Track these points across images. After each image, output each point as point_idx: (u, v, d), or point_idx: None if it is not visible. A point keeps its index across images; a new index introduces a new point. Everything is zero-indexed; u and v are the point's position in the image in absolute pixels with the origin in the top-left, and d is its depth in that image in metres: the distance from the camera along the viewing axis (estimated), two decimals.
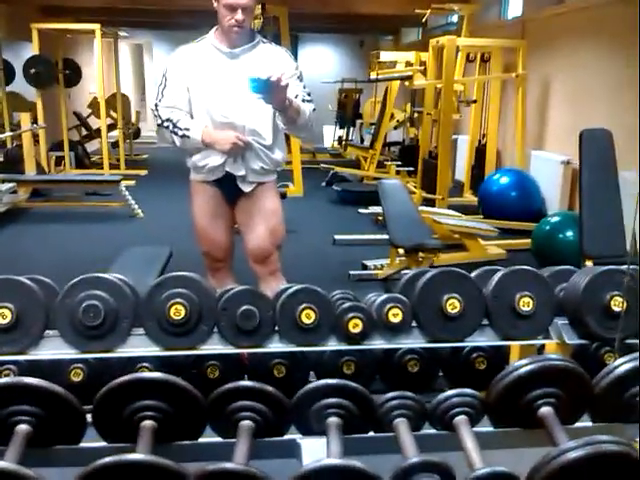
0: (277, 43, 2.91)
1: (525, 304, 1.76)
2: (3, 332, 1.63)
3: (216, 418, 1.25)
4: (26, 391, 1.17)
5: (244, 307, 1.71)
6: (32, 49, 7.58)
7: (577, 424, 1.33)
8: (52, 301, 1.71)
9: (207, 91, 2.65)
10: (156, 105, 2.71)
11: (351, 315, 1.74)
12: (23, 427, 1.16)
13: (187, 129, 2.64)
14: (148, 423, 1.18)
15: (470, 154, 7.52)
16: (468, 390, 1.30)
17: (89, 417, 1.25)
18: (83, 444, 1.25)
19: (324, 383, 1.26)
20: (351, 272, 4.63)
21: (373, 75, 7.82)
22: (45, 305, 1.68)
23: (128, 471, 1.03)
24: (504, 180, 6.32)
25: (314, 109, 2.68)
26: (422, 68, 7.35)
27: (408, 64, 7.81)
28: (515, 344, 1.85)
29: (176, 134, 2.66)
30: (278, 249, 2.86)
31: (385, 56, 8.33)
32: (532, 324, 1.79)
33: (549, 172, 6.13)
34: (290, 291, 1.76)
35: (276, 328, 1.76)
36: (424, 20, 7.55)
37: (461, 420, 1.26)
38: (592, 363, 1.82)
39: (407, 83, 7.51)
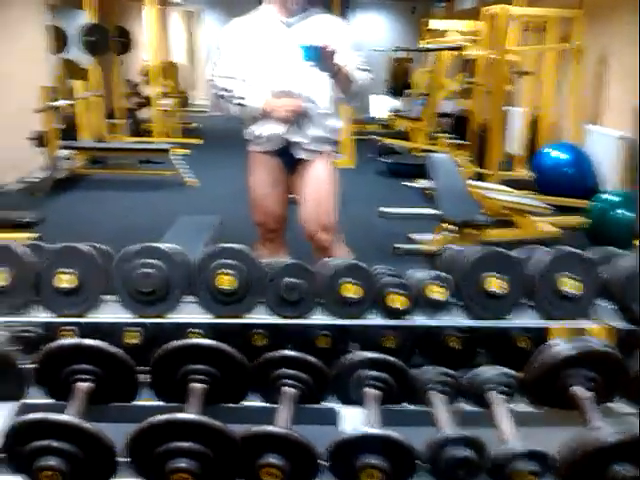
0: (327, 10, 2.93)
1: (570, 286, 1.76)
2: (67, 295, 1.73)
3: (261, 384, 1.32)
4: (87, 351, 1.25)
5: (289, 279, 1.77)
6: (87, 17, 7.70)
7: (611, 404, 1.35)
8: (110, 267, 1.81)
9: (263, 60, 2.71)
10: (212, 75, 2.77)
11: (393, 290, 1.78)
12: (83, 385, 1.25)
13: (243, 98, 2.70)
14: (198, 385, 1.25)
15: (524, 127, 7.36)
16: (505, 369, 1.33)
17: (143, 377, 1.34)
18: (137, 402, 1.33)
19: (364, 356, 1.31)
20: (397, 245, 4.64)
21: (423, 44, 7.70)
22: (104, 271, 1.77)
23: (178, 429, 1.11)
24: (558, 155, 6.19)
25: (372, 78, 2.70)
26: (474, 38, 7.20)
27: (461, 33, 7.65)
28: (557, 326, 1.85)
29: (232, 103, 2.72)
30: (333, 219, 2.88)
31: (435, 24, 8.17)
32: (576, 306, 1.80)
33: (605, 148, 5.98)
34: (334, 265, 1.80)
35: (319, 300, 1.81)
36: None
37: (496, 396, 1.30)
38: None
39: (459, 53, 7.37)
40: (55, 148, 6.02)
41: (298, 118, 2.70)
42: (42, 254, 1.77)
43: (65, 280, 1.69)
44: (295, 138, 2.78)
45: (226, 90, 2.72)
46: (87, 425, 1.10)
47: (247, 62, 2.72)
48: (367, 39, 12.26)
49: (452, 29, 8.00)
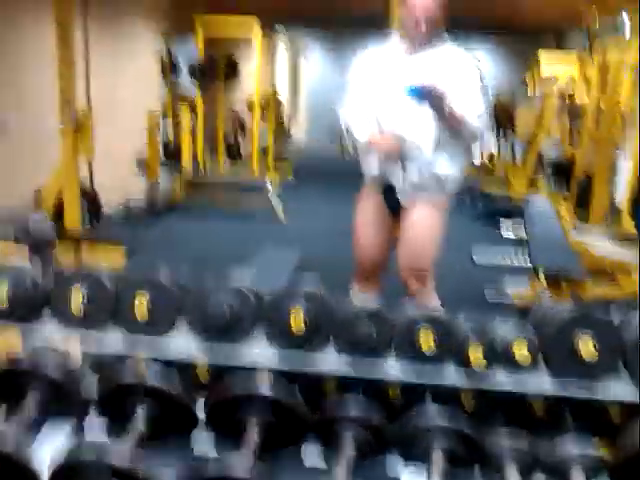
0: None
1: None
2: (138, 321, 1.73)
3: (321, 433, 1.25)
4: (144, 389, 1.23)
5: (362, 326, 1.70)
6: (196, 45, 7.98)
7: None
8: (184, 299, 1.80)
9: (378, 93, 2.68)
10: (342, 111, 2.78)
11: (473, 345, 1.67)
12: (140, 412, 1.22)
13: (356, 132, 2.70)
14: (254, 433, 1.20)
15: (633, 176, 6.94)
16: (588, 443, 1.19)
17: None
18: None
19: (434, 424, 1.21)
20: (489, 297, 4.46)
21: (530, 91, 7.48)
22: (177, 300, 1.77)
23: None
24: None
25: (481, 116, 2.59)
26: (584, 83, 6.92)
27: (571, 79, 7.39)
28: None
29: (349, 137, 2.74)
30: (427, 268, 2.80)
31: (546, 70, 7.94)
32: None
33: None
34: (411, 314, 1.72)
35: (393, 351, 1.72)
36: (590, 26, 7.07)
37: (577, 473, 1.16)
38: None
39: (567, 99, 7.11)
40: (156, 175, 6.27)
41: (398, 159, 2.62)
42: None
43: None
44: (394, 180, 2.71)
45: (346, 124, 2.75)
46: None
47: (367, 95, 2.71)
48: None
49: (563, 74, 7.74)
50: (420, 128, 2.58)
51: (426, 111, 2.45)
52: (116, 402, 1.25)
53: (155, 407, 1.24)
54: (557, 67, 8.12)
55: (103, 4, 6.46)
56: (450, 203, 2.83)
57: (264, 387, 1.24)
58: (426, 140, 2.59)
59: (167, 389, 1.22)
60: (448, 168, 2.67)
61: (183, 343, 1.75)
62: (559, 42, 12.16)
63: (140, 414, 1.22)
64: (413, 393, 1.97)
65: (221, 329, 1.69)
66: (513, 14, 8.80)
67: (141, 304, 1.69)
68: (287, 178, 9.35)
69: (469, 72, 2.60)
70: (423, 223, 2.75)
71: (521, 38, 13.15)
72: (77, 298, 1.63)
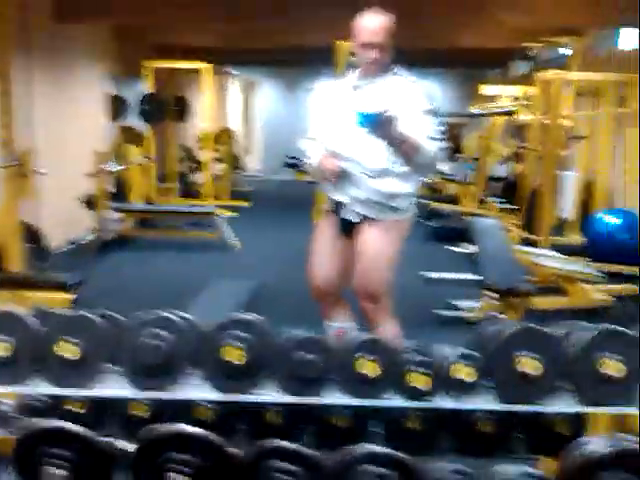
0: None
1: (612, 368, 1.59)
2: (68, 366, 1.66)
3: (252, 475, 1.19)
4: (66, 436, 1.16)
5: (304, 355, 1.65)
6: (145, 86, 8.00)
7: None
8: (118, 336, 1.74)
9: (328, 120, 2.73)
10: (301, 140, 2.85)
11: (417, 369, 1.64)
12: (59, 472, 1.15)
13: (309, 157, 2.76)
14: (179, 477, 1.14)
15: (577, 192, 7.13)
16: (532, 471, 1.17)
17: None
18: None
19: (370, 451, 1.17)
20: (441, 313, 4.47)
21: (474, 109, 7.65)
22: (110, 341, 1.70)
23: None
24: (613, 220, 5.92)
25: (443, 148, 2.64)
26: (527, 103, 7.11)
27: (514, 99, 7.58)
28: (598, 411, 1.67)
29: (306, 163, 2.81)
30: (380, 289, 2.76)
31: (488, 90, 8.14)
32: (619, 390, 1.61)
33: None
34: (353, 341, 1.68)
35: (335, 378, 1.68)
36: (533, 54, 7.32)
37: None
38: None
39: (511, 118, 7.28)
40: (104, 210, 6.16)
41: (340, 178, 2.64)
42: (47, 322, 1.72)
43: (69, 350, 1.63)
44: (339, 198, 2.73)
45: (304, 151, 2.80)
46: None
47: (323, 124, 2.76)
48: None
49: (506, 95, 7.96)
50: (362, 147, 2.60)
51: (372, 136, 2.45)
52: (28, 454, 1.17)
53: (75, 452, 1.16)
54: (501, 89, 8.34)
55: (50, 47, 6.41)
56: (408, 224, 2.80)
57: (189, 427, 1.17)
58: (367, 158, 2.61)
59: (84, 434, 1.14)
60: (399, 189, 2.66)
61: (115, 384, 1.69)
62: (503, 71, 12.54)
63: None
64: (361, 420, 1.95)
65: (154, 367, 1.63)
66: (461, 47, 9.04)
67: (68, 348, 1.62)
68: (242, 207, 9.32)
69: (418, 100, 2.63)
70: (372, 244, 2.73)
71: (468, 67, 13.53)
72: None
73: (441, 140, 2.61)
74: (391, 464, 1.14)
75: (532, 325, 1.69)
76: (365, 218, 2.70)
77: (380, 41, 2.56)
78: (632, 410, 1.60)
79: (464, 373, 1.63)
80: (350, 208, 2.72)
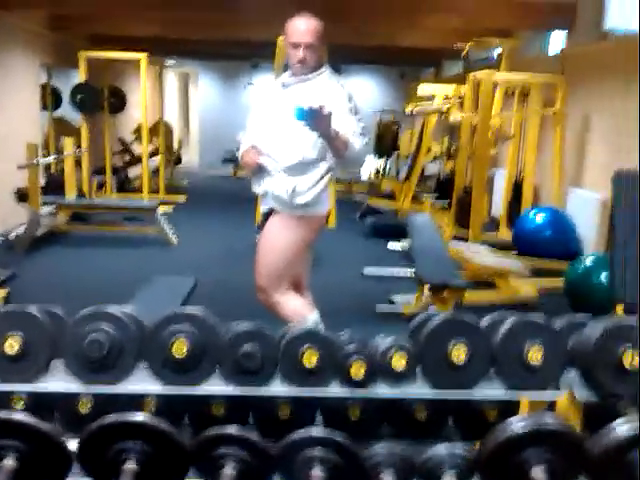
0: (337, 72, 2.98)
1: (534, 355, 1.72)
2: (11, 361, 1.67)
3: (200, 463, 1.25)
4: (12, 426, 1.18)
5: (246, 346, 1.71)
6: (79, 76, 7.83)
7: None
8: (60, 332, 1.75)
9: (259, 117, 2.90)
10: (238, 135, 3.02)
11: (354, 359, 1.73)
12: (8, 462, 1.17)
13: (239, 150, 2.91)
14: (130, 466, 1.18)
15: (507, 190, 7.43)
16: (458, 446, 1.27)
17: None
18: None
19: (308, 434, 1.24)
20: (378, 307, 4.59)
21: (409, 108, 7.83)
22: (52, 336, 1.71)
23: None
24: (540, 218, 6.21)
25: (367, 143, 2.76)
26: (459, 102, 7.33)
27: (446, 98, 7.79)
28: (523, 397, 1.79)
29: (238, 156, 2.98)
30: (277, 284, 2.85)
31: (423, 89, 8.34)
32: (541, 376, 1.75)
33: (586, 211, 6.01)
34: (294, 332, 1.75)
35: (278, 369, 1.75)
36: (465, 54, 7.56)
37: (450, 477, 1.23)
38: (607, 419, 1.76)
39: (444, 117, 7.49)
40: (37, 204, 5.99)
41: (258, 171, 2.81)
42: None
43: (10, 345, 1.63)
44: (255, 189, 2.90)
45: (238, 145, 2.95)
46: None
47: (255, 119, 2.93)
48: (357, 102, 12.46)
49: (439, 94, 8.16)
50: (279, 143, 2.76)
51: (304, 132, 2.55)
52: None
53: (25, 446, 1.18)
54: (434, 88, 8.55)
55: None
56: (316, 221, 2.89)
57: (136, 416, 1.21)
58: (281, 154, 2.76)
59: (37, 426, 1.17)
60: (305, 187, 2.78)
61: (60, 379, 1.70)
62: (437, 70, 12.86)
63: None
64: (303, 410, 2.03)
65: (99, 361, 1.65)
66: (396, 46, 9.23)
67: (12, 345, 1.63)
68: (179, 202, 9.24)
69: (343, 100, 2.77)
70: (268, 234, 2.88)
71: (404, 67, 13.81)
72: None
73: (365, 136, 2.75)
74: (333, 447, 1.22)
75: (460, 316, 1.81)
76: (272, 210, 2.86)
77: (308, 42, 2.72)
78: (555, 395, 1.74)
79: (398, 362, 1.72)
80: (264, 200, 2.90)
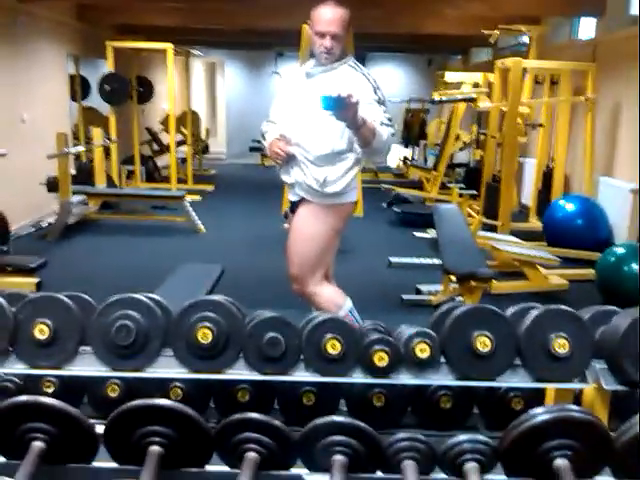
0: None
1: (560, 345, 1.69)
2: (41, 347, 1.70)
3: (223, 448, 1.26)
4: (41, 410, 1.21)
5: (270, 334, 1.72)
6: (107, 66, 7.91)
7: (597, 478, 1.26)
8: (88, 318, 1.78)
9: (284, 106, 2.88)
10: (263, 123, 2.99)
11: (377, 348, 1.73)
12: (37, 444, 1.20)
13: (265, 139, 2.90)
14: (154, 449, 1.20)
15: (537, 179, 7.32)
16: (481, 436, 1.26)
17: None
18: (95, 464, 1.28)
19: (331, 420, 1.25)
20: (404, 296, 4.58)
21: (436, 96, 7.74)
22: (81, 322, 1.74)
23: None
24: (570, 207, 6.12)
25: (393, 133, 2.75)
26: (488, 90, 7.24)
27: (475, 85, 7.70)
28: (549, 387, 1.78)
29: (263, 143, 2.96)
30: (311, 273, 2.85)
31: (450, 77, 8.25)
32: (567, 367, 1.72)
33: (618, 200, 5.90)
34: (316, 321, 1.76)
35: (302, 357, 1.76)
36: (493, 41, 7.45)
37: (471, 467, 1.22)
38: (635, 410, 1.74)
39: (472, 105, 7.40)
40: (67, 193, 6.09)
41: (284, 161, 2.79)
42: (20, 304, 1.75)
43: (39, 330, 1.67)
44: (286, 179, 2.87)
45: (262, 132, 2.93)
46: None
47: (279, 108, 2.91)
48: (383, 90, 12.39)
49: (468, 81, 8.07)
50: (309, 133, 2.74)
51: (332, 123, 2.54)
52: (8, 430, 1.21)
53: (54, 429, 1.21)
54: (462, 75, 8.46)
55: (11, 26, 6.28)
56: (346, 210, 2.89)
57: (160, 401, 1.23)
58: (312, 144, 2.74)
59: (65, 409, 1.19)
60: (335, 176, 2.77)
61: (89, 364, 1.74)
62: (465, 58, 12.70)
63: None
64: (327, 399, 2.04)
65: (127, 347, 1.68)
66: (423, 33, 9.13)
67: (42, 330, 1.66)
68: (207, 191, 9.31)
69: (369, 90, 2.75)
70: (300, 224, 2.86)
71: (431, 54, 13.65)
72: None
73: (391, 126, 2.74)
74: (354, 434, 1.22)
75: (484, 305, 1.79)
76: (302, 200, 2.84)
77: (334, 31, 2.70)
78: (581, 385, 1.72)
79: (422, 351, 1.72)
80: (292, 189, 2.87)
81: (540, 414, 1.20)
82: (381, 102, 2.76)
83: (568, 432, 1.19)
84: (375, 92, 2.76)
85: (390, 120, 2.75)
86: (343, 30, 2.72)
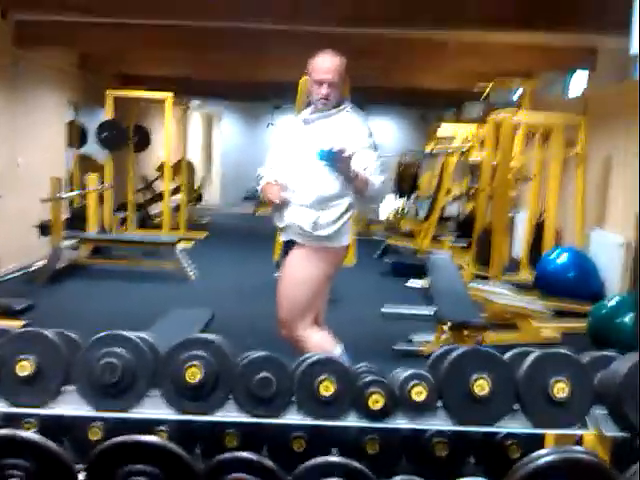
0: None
1: (560, 390, 1.65)
2: (22, 384, 1.64)
3: None
4: (20, 445, 1.15)
5: (261, 374, 1.67)
6: (105, 114, 7.99)
7: None
8: (73, 355, 1.73)
9: (281, 152, 2.93)
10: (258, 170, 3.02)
11: (372, 390, 1.68)
12: None
13: (260, 183, 2.92)
14: None
15: (528, 231, 7.35)
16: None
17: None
18: None
19: (325, 461, 1.19)
20: (395, 347, 4.51)
21: (429, 147, 7.85)
22: (66, 359, 1.69)
23: None
24: (561, 259, 6.12)
25: (383, 180, 2.79)
26: (479, 143, 7.34)
27: (466, 140, 7.81)
28: (549, 433, 1.72)
29: (257, 187, 2.97)
30: (300, 318, 2.81)
31: (443, 130, 8.37)
32: (567, 412, 1.68)
33: (609, 253, 5.91)
34: (309, 361, 1.71)
35: (293, 399, 1.70)
36: (486, 95, 7.60)
37: None
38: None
39: (463, 158, 7.50)
40: (59, 237, 6.05)
41: (280, 206, 2.80)
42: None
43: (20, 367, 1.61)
44: (277, 223, 2.88)
45: (258, 177, 2.95)
46: None
47: (276, 154, 2.95)
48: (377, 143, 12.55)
49: (460, 135, 8.19)
50: (302, 178, 2.77)
51: (325, 171, 2.58)
52: None
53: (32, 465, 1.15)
54: (455, 128, 8.59)
55: (11, 72, 6.36)
56: (338, 254, 2.87)
57: (147, 437, 1.17)
58: (304, 189, 2.76)
59: (44, 445, 1.13)
60: (327, 219, 2.78)
61: (73, 403, 1.67)
62: (458, 112, 12.95)
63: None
64: (318, 445, 1.97)
65: (112, 385, 1.62)
66: (417, 87, 9.33)
67: (24, 366, 1.61)
68: (199, 239, 9.28)
69: (364, 137, 2.80)
70: (290, 268, 2.86)
71: (424, 109, 13.91)
72: None
73: (383, 173, 2.79)
74: (348, 474, 1.17)
75: (481, 348, 1.76)
76: (294, 243, 2.84)
77: (331, 79, 2.76)
78: (580, 431, 1.67)
79: (418, 394, 1.67)
80: (284, 232, 2.87)
81: (544, 456, 1.15)
82: (373, 147, 2.81)
83: (573, 475, 1.14)
84: (369, 137, 2.82)
85: (382, 166, 2.80)
86: (340, 78, 2.79)
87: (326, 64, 2.77)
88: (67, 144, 8.12)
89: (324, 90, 2.76)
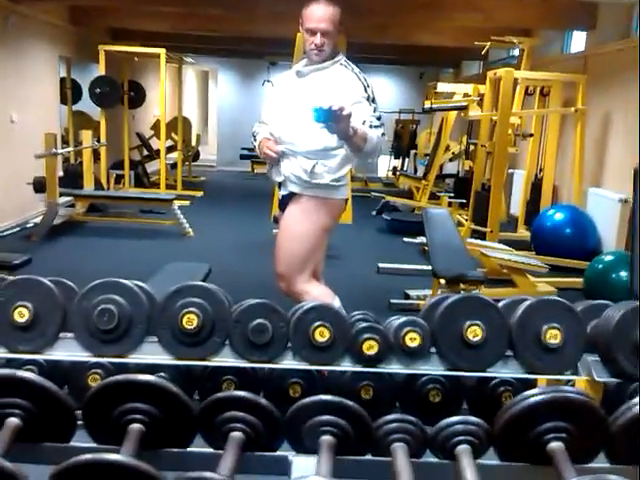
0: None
1: (552, 336, 1.67)
2: (20, 330, 1.65)
3: (207, 427, 1.22)
4: (19, 385, 1.16)
5: (257, 321, 1.69)
6: (98, 70, 7.88)
7: (592, 464, 1.23)
8: (70, 303, 1.73)
9: (275, 106, 2.85)
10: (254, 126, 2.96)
11: (366, 336, 1.69)
12: (13, 420, 1.15)
13: (255, 139, 2.86)
14: (135, 426, 1.15)
15: (526, 188, 7.34)
16: (473, 418, 1.23)
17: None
18: (72, 443, 1.23)
19: (319, 399, 1.21)
20: (392, 301, 4.55)
21: (427, 105, 7.77)
22: (63, 306, 1.70)
23: (107, 472, 1.01)
24: (559, 216, 6.13)
25: (383, 134, 2.71)
26: (478, 99, 7.26)
27: (465, 96, 7.73)
28: (540, 378, 1.75)
29: (253, 144, 2.92)
30: (299, 271, 2.80)
31: (442, 87, 8.28)
32: (559, 358, 1.69)
33: (606, 210, 5.92)
34: (304, 308, 1.72)
35: (289, 345, 1.72)
36: (484, 53, 7.49)
37: (463, 450, 1.19)
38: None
39: (463, 114, 7.43)
40: (54, 194, 6.02)
41: (274, 159, 2.76)
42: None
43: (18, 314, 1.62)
44: (277, 178, 2.83)
45: (253, 133, 2.90)
46: (6, 465, 1.00)
47: (270, 109, 2.88)
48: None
49: (459, 92, 8.11)
50: (299, 129, 2.70)
51: (328, 131, 2.51)
52: None
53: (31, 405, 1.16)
54: (454, 86, 8.50)
55: (3, 27, 6.23)
56: (337, 206, 2.84)
57: (143, 376, 1.18)
58: (302, 139, 2.71)
59: (42, 384, 1.15)
60: (324, 168, 2.74)
61: (70, 349, 1.69)
62: (456, 70, 12.79)
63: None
64: (314, 390, 1.99)
65: (109, 331, 1.63)
66: (416, 44, 9.18)
67: (21, 313, 1.62)
68: (196, 197, 9.26)
69: (360, 89, 2.73)
70: (287, 221, 2.83)
71: (422, 67, 13.73)
72: None
73: (381, 126, 2.70)
74: (344, 413, 1.19)
75: (475, 295, 1.77)
76: (291, 196, 2.80)
77: (325, 28, 2.68)
78: (572, 377, 1.69)
79: (412, 340, 1.68)
80: (283, 186, 2.83)
81: (534, 395, 1.17)
82: (371, 100, 2.73)
83: (563, 414, 1.16)
84: (365, 90, 2.73)
85: (379, 119, 2.72)
86: (334, 28, 2.70)
87: (320, 12, 2.68)
88: (61, 100, 8.02)
89: (318, 40, 2.68)
